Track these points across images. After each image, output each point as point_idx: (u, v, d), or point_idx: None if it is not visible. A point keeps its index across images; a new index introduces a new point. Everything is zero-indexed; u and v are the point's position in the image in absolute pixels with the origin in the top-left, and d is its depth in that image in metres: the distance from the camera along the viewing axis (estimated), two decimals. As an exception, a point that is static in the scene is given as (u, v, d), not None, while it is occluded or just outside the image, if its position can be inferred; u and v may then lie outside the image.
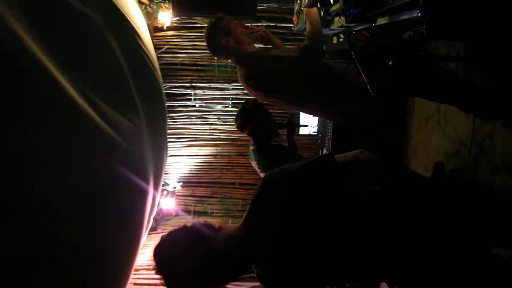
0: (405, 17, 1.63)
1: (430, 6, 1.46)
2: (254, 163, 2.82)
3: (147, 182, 3.62)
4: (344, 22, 1.89)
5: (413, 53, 1.61)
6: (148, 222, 3.72)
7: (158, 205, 4.30)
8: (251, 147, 2.82)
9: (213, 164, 5.04)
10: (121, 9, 3.39)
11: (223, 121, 4.98)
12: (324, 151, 4.23)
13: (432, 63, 1.88)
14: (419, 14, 1.49)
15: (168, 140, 4.72)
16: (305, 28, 2.66)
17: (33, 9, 1.95)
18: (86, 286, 2.32)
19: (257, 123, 2.71)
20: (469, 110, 2.17)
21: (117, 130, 2.91)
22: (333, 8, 1.97)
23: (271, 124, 2.82)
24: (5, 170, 1.57)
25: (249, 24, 2.65)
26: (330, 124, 3.80)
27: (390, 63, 1.54)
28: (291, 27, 4.48)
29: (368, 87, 1.50)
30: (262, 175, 2.74)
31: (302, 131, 4.61)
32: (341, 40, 2.80)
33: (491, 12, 1.51)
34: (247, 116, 2.72)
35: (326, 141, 4.17)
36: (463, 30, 1.53)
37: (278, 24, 4.61)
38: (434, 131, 2.91)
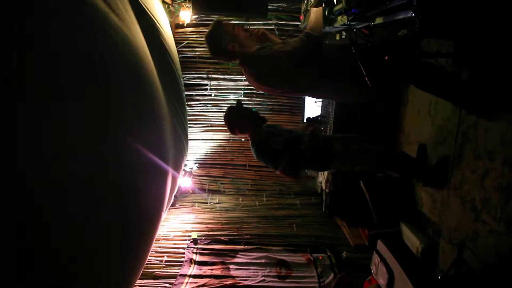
0: (400, 16, 1.65)
1: (423, 7, 1.48)
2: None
3: (168, 163, 3.70)
4: (346, 21, 1.92)
5: (407, 49, 1.64)
6: (169, 199, 3.81)
7: (178, 184, 4.39)
8: (250, 145, 2.68)
9: (226, 147, 5.10)
10: (148, 11, 3.43)
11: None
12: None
13: (423, 58, 1.90)
14: (413, 14, 1.51)
15: (187, 125, 4.79)
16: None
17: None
18: (113, 253, 2.36)
19: (241, 123, 2.61)
20: (454, 102, 2.19)
21: (142, 117, 2.99)
22: (336, 8, 1.99)
23: (254, 117, 2.67)
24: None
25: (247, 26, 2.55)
26: (332, 111, 3.80)
27: (386, 57, 1.57)
28: (298, 24, 4.50)
29: (366, 79, 1.53)
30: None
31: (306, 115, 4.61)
32: (343, 37, 2.82)
33: (478, 13, 1.53)
34: (230, 122, 2.64)
35: (329, 127, 4.20)
36: (453, 30, 1.55)
37: (286, 22, 4.60)
38: (425, 121, 2.93)
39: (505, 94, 1.92)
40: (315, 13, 2.09)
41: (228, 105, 2.92)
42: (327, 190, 3.97)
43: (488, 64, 1.81)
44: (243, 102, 2.89)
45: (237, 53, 2.17)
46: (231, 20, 4.46)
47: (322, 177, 4.23)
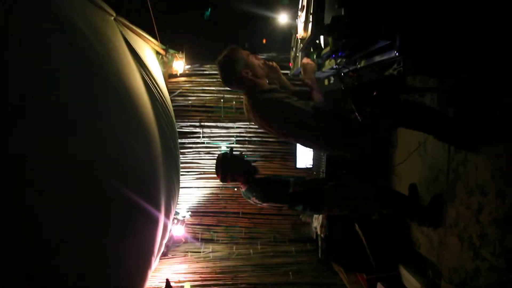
0: (385, 57, 1.75)
1: (406, 47, 1.57)
2: (253, 200, 2.59)
3: (159, 211, 3.65)
4: (334, 64, 2.02)
5: (393, 86, 1.72)
6: (160, 246, 3.70)
7: (169, 232, 4.28)
8: (242, 190, 2.60)
9: (219, 195, 5.05)
10: (143, 60, 3.58)
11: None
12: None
13: (410, 96, 1.99)
14: (397, 54, 1.60)
15: (180, 173, 4.78)
16: (299, 73, 2.80)
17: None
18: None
19: (234, 172, 2.51)
20: (442, 138, 2.25)
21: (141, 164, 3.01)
22: (323, 52, 2.10)
23: (247, 166, 2.58)
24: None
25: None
26: (324, 157, 3.87)
27: (374, 93, 1.64)
28: (287, 73, 4.68)
29: (356, 113, 1.59)
30: (265, 205, 2.65)
31: (299, 164, 4.66)
32: (331, 82, 2.93)
33: (457, 52, 1.63)
34: (222, 170, 2.53)
35: (321, 172, 4.22)
36: (434, 67, 1.64)
37: (276, 72, 4.79)
38: (416, 160, 2.97)
39: (489, 128, 1.99)
40: (305, 70, 2.22)
41: (220, 152, 2.85)
42: (322, 235, 3.90)
43: (471, 99, 1.89)
44: (234, 149, 2.82)
45: (248, 82, 2.14)
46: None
47: (317, 222, 4.17)
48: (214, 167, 2.57)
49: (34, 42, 1.64)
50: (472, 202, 2.23)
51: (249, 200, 2.66)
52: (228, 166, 2.50)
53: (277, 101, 2.09)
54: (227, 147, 2.81)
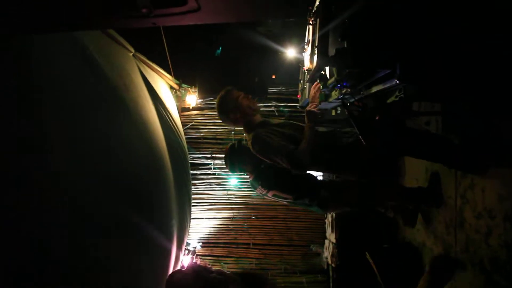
0: (387, 85, 1.84)
1: (406, 75, 1.67)
2: (259, 190, 2.78)
3: (172, 242, 3.68)
4: (340, 95, 2.13)
5: (394, 112, 1.80)
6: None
7: (181, 262, 4.28)
8: (250, 179, 2.82)
9: (229, 226, 5.07)
10: (159, 96, 3.76)
11: (239, 188, 5.11)
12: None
13: (415, 125, 2.08)
14: (398, 82, 1.70)
15: (191, 204, 4.83)
16: (308, 103, 2.92)
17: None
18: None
19: (240, 161, 2.74)
20: (448, 164, 2.30)
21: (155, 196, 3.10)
22: (329, 82, 2.21)
23: (252, 155, 2.66)
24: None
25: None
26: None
27: (377, 118, 1.72)
28: (296, 105, 4.82)
29: (360, 137, 1.67)
30: (270, 194, 2.75)
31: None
32: (338, 112, 3.03)
33: (455, 79, 1.72)
34: (230, 160, 2.77)
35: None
36: (433, 93, 1.73)
37: (285, 104, 4.94)
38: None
39: (494, 152, 2.04)
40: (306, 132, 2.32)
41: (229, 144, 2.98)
42: (333, 265, 3.86)
43: (474, 123, 1.96)
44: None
45: (239, 121, 2.39)
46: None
47: (327, 252, 4.14)
48: (223, 159, 2.87)
49: (64, 78, 1.80)
50: (481, 226, 2.24)
51: (255, 191, 2.86)
52: (235, 156, 2.75)
53: (257, 137, 2.28)
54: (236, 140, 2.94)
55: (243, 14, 1.24)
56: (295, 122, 2.59)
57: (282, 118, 4.85)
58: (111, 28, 2.43)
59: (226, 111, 2.39)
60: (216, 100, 2.46)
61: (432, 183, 2.74)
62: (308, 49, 2.13)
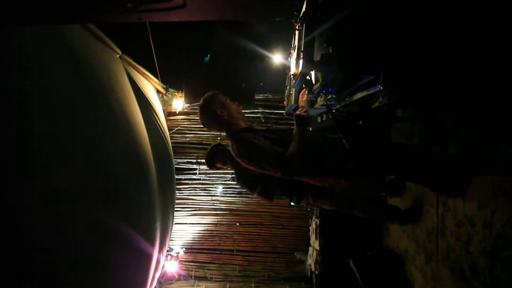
0: (371, 91, 1.86)
1: (389, 82, 1.69)
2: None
3: (154, 246, 3.62)
4: (325, 100, 2.14)
5: (377, 117, 1.82)
6: (152, 280, 3.63)
7: (163, 267, 4.21)
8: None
9: (213, 232, 5.01)
10: (146, 96, 3.73)
11: (224, 193, 5.07)
12: (314, 218, 4.29)
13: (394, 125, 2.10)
14: (381, 88, 1.72)
15: (175, 209, 4.77)
16: (294, 108, 2.93)
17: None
18: None
19: (221, 161, 2.90)
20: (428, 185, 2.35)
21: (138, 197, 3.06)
22: (315, 87, 2.22)
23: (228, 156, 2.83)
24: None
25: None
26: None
27: (360, 122, 1.74)
28: (283, 113, 4.84)
29: (344, 141, 1.67)
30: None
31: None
32: (324, 119, 3.04)
33: (437, 87, 1.75)
34: (210, 161, 2.94)
35: (314, 209, 4.24)
36: (416, 100, 1.76)
37: (272, 111, 4.95)
38: (406, 195, 3.02)
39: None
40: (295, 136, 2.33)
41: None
42: (317, 272, 3.84)
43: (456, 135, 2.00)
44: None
45: (224, 121, 2.24)
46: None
47: (311, 259, 4.13)
48: (205, 159, 3.02)
49: (49, 76, 1.76)
50: (462, 233, 2.27)
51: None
52: (211, 155, 2.92)
53: (245, 141, 2.13)
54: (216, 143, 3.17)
55: (227, 13, 1.23)
56: (282, 127, 2.59)
57: (268, 125, 4.87)
58: (97, 22, 2.38)
59: (213, 110, 2.22)
60: (200, 101, 2.32)
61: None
62: (294, 54, 2.14)
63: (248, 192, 2.93)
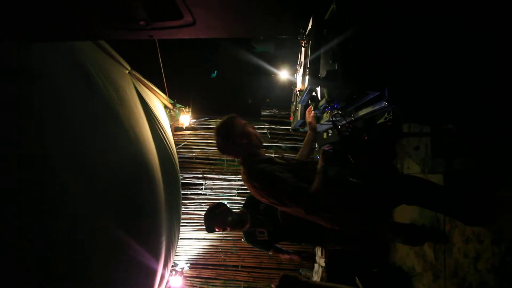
0: (377, 107, 1.88)
1: (394, 98, 1.71)
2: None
3: (158, 261, 3.61)
4: (331, 117, 2.16)
5: (382, 132, 1.84)
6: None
7: (167, 282, 4.18)
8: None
9: (218, 247, 4.98)
10: (153, 113, 3.78)
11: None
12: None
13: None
14: (386, 104, 1.74)
15: (180, 224, 4.76)
16: (301, 124, 2.97)
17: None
18: None
19: (220, 227, 2.90)
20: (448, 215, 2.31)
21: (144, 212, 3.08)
22: (321, 103, 2.25)
23: (231, 218, 2.93)
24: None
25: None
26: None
27: (365, 138, 1.75)
28: (289, 128, 4.86)
29: (349, 156, 1.69)
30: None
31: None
32: (330, 135, 3.06)
33: (442, 103, 1.77)
34: (209, 227, 2.93)
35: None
36: (420, 116, 1.77)
37: (278, 127, 4.98)
38: (412, 212, 3.00)
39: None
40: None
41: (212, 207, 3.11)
42: (323, 290, 3.78)
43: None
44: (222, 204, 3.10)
45: (244, 149, 2.12)
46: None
47: (317, 276, 4.07)
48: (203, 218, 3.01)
49: (61, 91, 1.81)
50: (470, 250, 2.24)
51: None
52: (208, 222, 2.91)
53: (269, 173, 1.99)
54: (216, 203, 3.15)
55: (235, 30, 1.27)
56: (303, 160, 2.44)
57: (275, 140, 4.90)
58: (109, 39, 2.44)
59: (233, 137, 2.09)
60: (216, 127, 2.18)
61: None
62: (300, 70, 2.17)
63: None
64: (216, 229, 2.94)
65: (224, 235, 4.99)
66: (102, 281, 2.25)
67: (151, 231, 3.30)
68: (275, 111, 5.00)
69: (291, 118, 3.53)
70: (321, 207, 1.86)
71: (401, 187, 2.03)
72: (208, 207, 3.05)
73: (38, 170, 1.60)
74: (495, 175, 2.03)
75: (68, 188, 1.81)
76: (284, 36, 1.85)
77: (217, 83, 4.56)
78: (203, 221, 3.00)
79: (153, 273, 3.45)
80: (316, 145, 3.22)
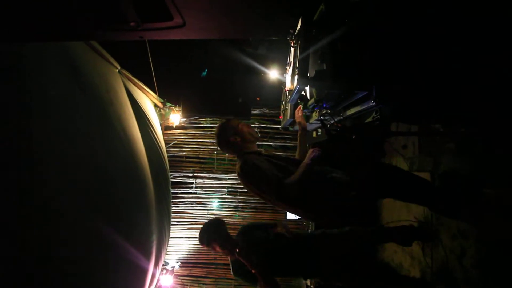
0: (365, 107, 1.91)
1: (382, 97, 1.74)
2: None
3: (149, 260, 3.61)
4: (319, 116, 2.19)
5: (370, 131, 1.87)
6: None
7: (158, 281, 4.18)
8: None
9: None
10: (143, 111, 3.77)
11: (220, 208, 5.07)
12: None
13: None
14: (373, 103, 1.77)
15: (171, 223, 4.76)
16: (290, 123, 2.99)
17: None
18: None
19: (216, 243, 2.73)
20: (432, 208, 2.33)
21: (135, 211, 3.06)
22: (309, 103, 2.27)
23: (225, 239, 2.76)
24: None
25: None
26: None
27: (353, 137, 1.78)
28: (279, 127, 4.89)
29: (338, 155, 1.72)
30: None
31: (290, 216, 4.70)
32: (319, 134, 3.09)
33: (428, 102, 1.80)
34: (208, 242, 2.76)
35: (310, 224, 4.26)
36: (408, 115, 1.81)
37: (268, 125, 5.00)
38: (401, 209, 3.06)
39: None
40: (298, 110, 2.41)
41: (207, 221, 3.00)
42: (312, 286, 3.82)
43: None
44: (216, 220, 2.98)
45: (238, 146, 2.34)
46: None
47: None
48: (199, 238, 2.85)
49: (50, 89, 1.80)
50: (455, 247, 2.29)
51: None
52: (210, 239, 2.73)
53: (248, 162, 2.18)
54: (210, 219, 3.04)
55: (225, 32, 1.28)
56: (293, 157, 2.52)
57: (264, 139, 4.92)
58: (100, 40, 2.44)
59: (227, 138, 2.35)
60: (215, 131, 2.45)
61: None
62: (290, 70, 2.19)
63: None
64: (214, 243, 2.76)
65: (215, 234, 4.99)
66: (92, 281, 2.24)
67: (141, 230, 3.30)
68: (265, 110, 5.03)
69: (281, 117, 3.55)
70: (290, 197, 2.00)
71: (385, 177, 2.07)
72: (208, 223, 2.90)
73: (28, 170, 1.59)
74: (481, 173, 2.08)
75: (57, 186, 1.80)
76: (274, 38, 1.87)
77: (207, 82, 4.56)
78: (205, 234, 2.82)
79: (144, 272, 3.45)
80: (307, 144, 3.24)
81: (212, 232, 2.75)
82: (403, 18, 1.73)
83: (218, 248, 2.72)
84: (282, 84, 3.32)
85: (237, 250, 2.59)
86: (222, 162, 5.10)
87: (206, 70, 4.77)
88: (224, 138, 2.36)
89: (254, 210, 5.01)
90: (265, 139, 4.97)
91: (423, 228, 2.69)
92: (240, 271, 2.70)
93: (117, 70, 3.27)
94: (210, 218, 4.99)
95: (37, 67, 1.76)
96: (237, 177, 4.93)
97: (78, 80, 2.15)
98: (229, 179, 5.07)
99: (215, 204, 5.03)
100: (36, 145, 1.70)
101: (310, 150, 2.14)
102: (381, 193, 2.28)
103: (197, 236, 4.91)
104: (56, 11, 1.01)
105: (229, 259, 2.82)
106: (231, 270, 2.80)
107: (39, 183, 1.64)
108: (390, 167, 2.26)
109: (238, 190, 5.05)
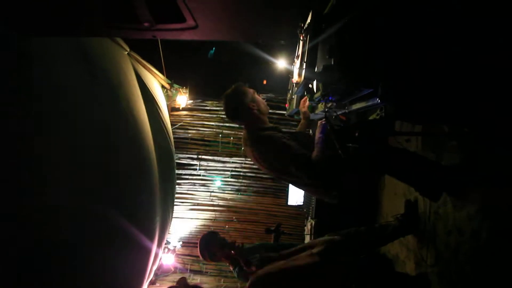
0: (370, 103, 1.94)
1: (387, 95, 1.77)
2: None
3: (153, 240, 3.72)
4: (325, 108, 2.22)
5: (373, 129, 1.91)
6: (150, 272, 3.74)
7: (160, 260, 4.31)
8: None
9: (210, 227, 5.12)
10: (152, 94, 3.81)
11: (222, 190, 5.17)
12: (309, 219, 4.38)
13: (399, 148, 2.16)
14: (379, 101, 1.79)
15: (174, 203, 4.87)
16: (296, 112, 3.02)
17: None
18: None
19: (219, 253, 2.83)
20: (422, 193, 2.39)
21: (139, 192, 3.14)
22: (316, 96, 2.30)
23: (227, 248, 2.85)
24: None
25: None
26: (314, 198, 4.01)
27: (356, 134, 1.82)
28: (284, 113, 4.92)
29: (339, 151, 1.76)
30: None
31: (291, 202, 4.78)
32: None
33: (433, 102, 1.83)
34: (210, 256, 2.87)
35: (310, 210, 4.34)
36: (412, 114, 1.84)
37: (274, 111, 5.03)
38: (401, 202, 3.11)
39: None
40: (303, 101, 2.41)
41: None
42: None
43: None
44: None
45: (253, 115, 2.19)
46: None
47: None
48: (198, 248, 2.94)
49: (61, 72, 1.85)
50: (451, 242, 2.36)
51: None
52: (209, 252, 2.86)
53: (275, 139, 2.12)
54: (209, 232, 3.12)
55: (235, 35, 1.31)
56: (306, 132, 2.53)
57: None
58: (113, 37, 2.47)
59: (245, 103, 2.15)
60: (226, 93, 2.22)
61: (408, 210, 2.79)
62: (298, 62, 2.21)
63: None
64: (218, 254, 2.87)
65: (216, 216, 5.12)
66: (96, 259, 2.33)
67: (145, 210, 3.38)
68: (272, 95, 5.04)
69: (287, 105, 3.58)
70: (322, 175, 1.99)
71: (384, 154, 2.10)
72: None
73: (37, 155, 1.65)
74: (485, 174, 2.12)
75: (64, 170, 1.86)
76: (282, 42, 1.88)
77: (215, 65, 4.57)
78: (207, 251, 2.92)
79: (148, 251, 3.56)
80: (310, 131, 3.27)
81: (211, 245, 2.86)
82: (414, 16, 1.74)
83: (223, 259, 2.83)
84: (289, 73, 3.33)
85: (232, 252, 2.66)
86: (226, 145, 5.16)
87: (213, 49, 4.77)
88: (240, 103, 2.15)
89: (255, 194, 5.10)
90: (271, 124, 5.00)
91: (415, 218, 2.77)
92: (242, 273, 2.82)
93: (126, 53, 3.30)
94: (212, 199, 5.11)
95: (46, 50, 1.79)
96: (240, 161, 5.05)
97: (88, 63, 2.19)
98: (233, 162, 5.14)
99: (217, 185, 5.11)
100: (46, 127, 1.76)
101: (319, 123, 2.16)
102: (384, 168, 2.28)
103: (199, 217, 5.08)
104: (71, 8, 1.04)
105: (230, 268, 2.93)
106: (236, 276, 2.91)
107: (44, 166, 1.69)
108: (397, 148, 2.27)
109: (241, 174, 5.13)
